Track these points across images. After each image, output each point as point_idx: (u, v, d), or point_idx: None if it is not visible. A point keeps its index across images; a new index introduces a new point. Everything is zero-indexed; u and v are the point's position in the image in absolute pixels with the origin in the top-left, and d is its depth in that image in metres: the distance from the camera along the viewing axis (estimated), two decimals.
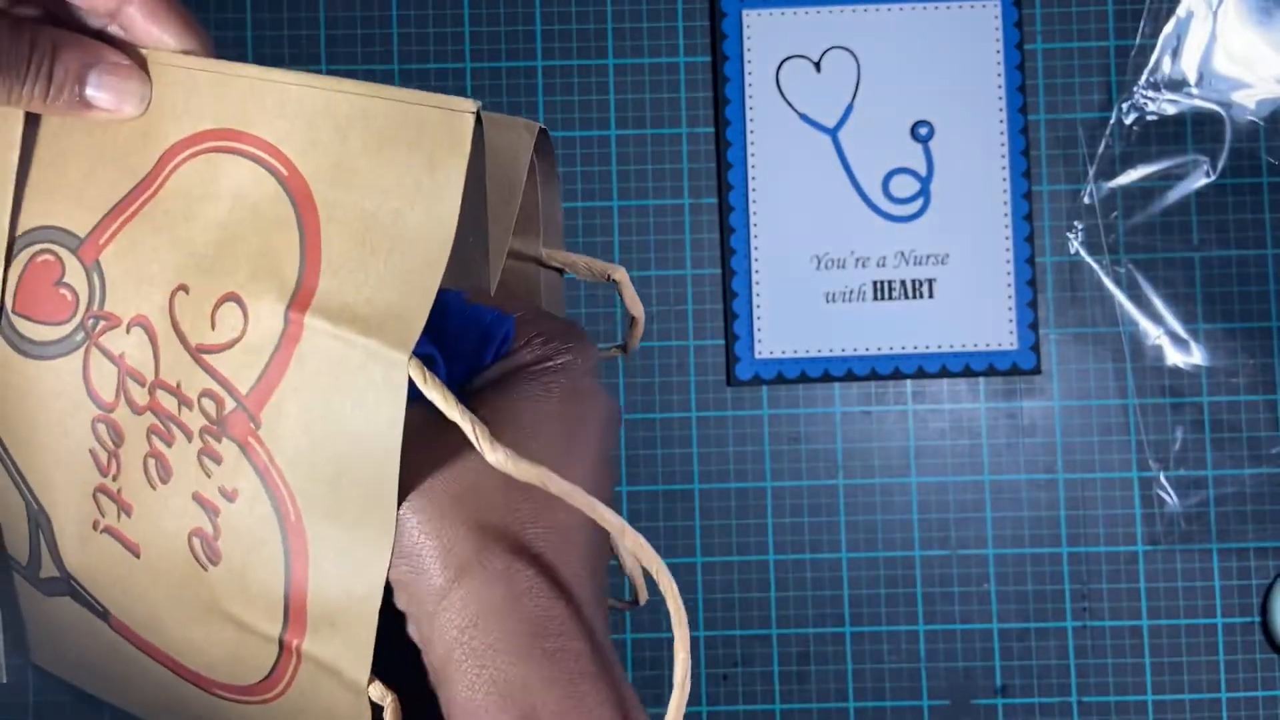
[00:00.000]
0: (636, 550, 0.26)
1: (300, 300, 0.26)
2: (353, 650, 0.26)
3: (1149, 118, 0.53)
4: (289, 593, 0.27)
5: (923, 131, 0.53)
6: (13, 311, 0.29)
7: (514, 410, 0.28)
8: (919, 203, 0.53)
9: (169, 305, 0.27)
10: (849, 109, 0.53)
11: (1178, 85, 0.53)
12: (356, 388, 0.25)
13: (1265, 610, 0.51)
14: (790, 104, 0.53)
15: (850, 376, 0.53)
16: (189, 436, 0.27)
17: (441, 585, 0.26)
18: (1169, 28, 0.53)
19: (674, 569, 0.52)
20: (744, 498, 0.53)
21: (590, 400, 0.29)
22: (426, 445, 0.27)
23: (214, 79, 0.27)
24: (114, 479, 0.29)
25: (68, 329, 0.29)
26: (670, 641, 0.52)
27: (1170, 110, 0.53)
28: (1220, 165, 0.53)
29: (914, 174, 0.53)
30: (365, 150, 0.26)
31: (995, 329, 0.53)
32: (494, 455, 0.25)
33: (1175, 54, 0.53)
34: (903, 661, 0.52)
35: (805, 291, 0.53)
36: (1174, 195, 0.53)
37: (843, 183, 0.53)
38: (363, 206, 0.26)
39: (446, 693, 0.26)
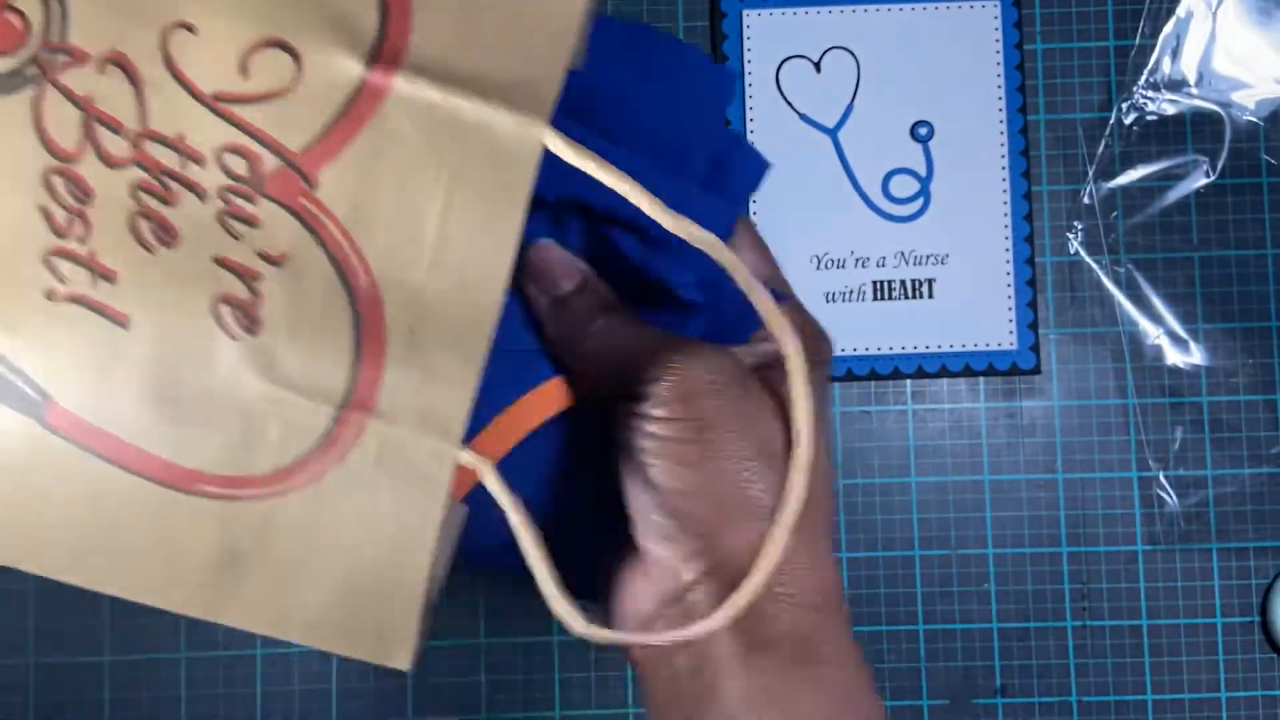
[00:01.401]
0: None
1: (385, 58, 0.24)
2: (447, 407, 0.25)
3: (1149, 118, 0.53)
4: (359, 360, 0.25)
5: (923, 131, 0.53)
6: None
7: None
8: (919, 203, 0.53)
9: (162, 43, 0.25)
10: (849, 109, 0.53)
11: (1177, 85, 0.53)
12: (461, 152, 0.24)
13: (1265, 610, 0.51)
14: (790, 104, 0.53)
15: (850, 376, 0.53)
16: (201, 196, 0.25)
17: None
18: (1169, 28, 0.53)
19: None
20: None
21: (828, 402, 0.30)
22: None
23: None
24: (81, 241, 0.26)
25: (13, 63, 0.25)
26: None
27: (1170, 110, 0.53)
28: (1220, 165, 0.53)
29: (914, 174, 0.53)
30: None
31: (995, 329, 0.53)
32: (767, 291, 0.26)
33: (1175, 54, 0.53)
34: (903, 661, 0.52)
35: (805, 291, 0.53)
36: (1174, 195, 0.53)
37: (843, 183, 0.53)
38: None
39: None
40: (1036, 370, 0.53)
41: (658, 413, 0.27)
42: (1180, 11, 0.53)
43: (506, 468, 0.31)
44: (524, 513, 0.26)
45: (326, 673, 0.52)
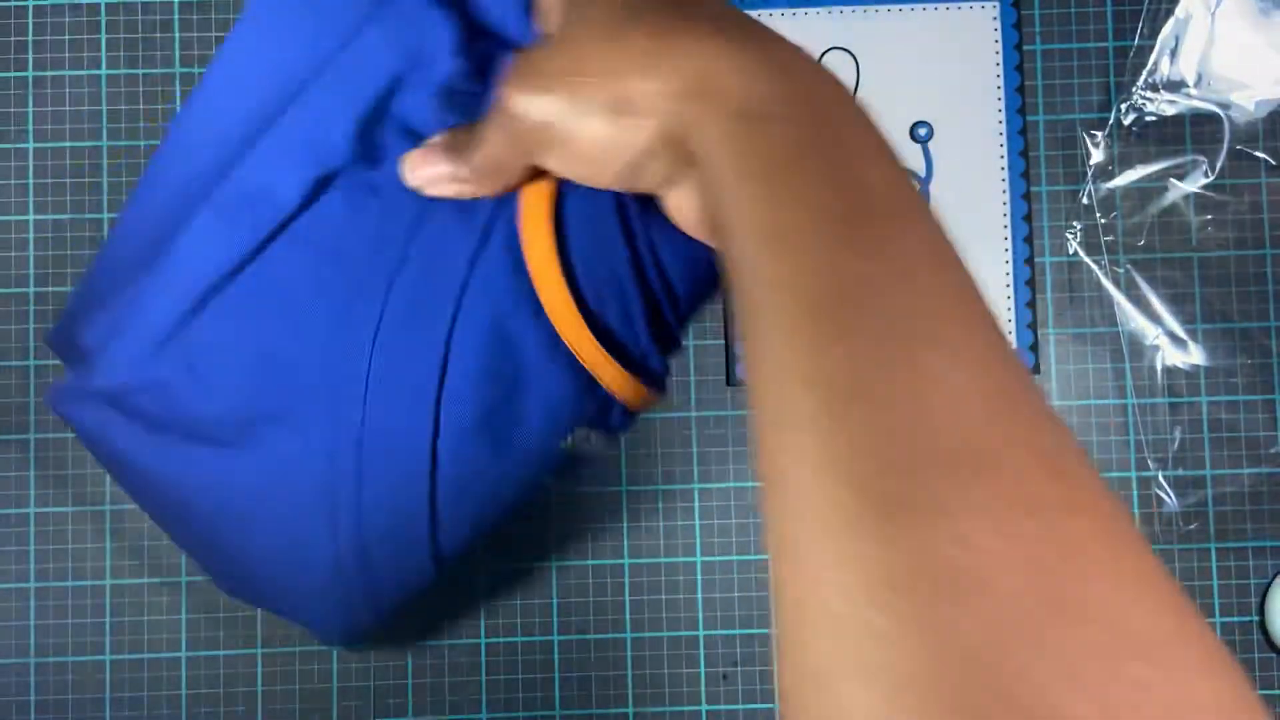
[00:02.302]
0: None
1: None
2: None
3: (1148, 118, 0.53)
4: None
5: (922, 132, 0.53)
6: None
7: None
8: None
9: None
10: None
11: (1176, 86, 0.53)
12: None
13: (1263, 610, 0.52)
14: None
15: None
16: None
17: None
18: (1168, 29, 0.53)
19: (674, 568, 0.52)
20: (743, 497, 0.53)
21: None
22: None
23: None
24: None
25: None
26: (669, 641, 0.52)
27: (1169, 111, 0.53)
28: (1219, 165, 0.53)
29: (913, 174, 0.53)
30: None
31: None
32: None
33: (1174, 55, 0.53)
34: None
35: None
36: (1173, 195, 0.53)
37: None
38: None
39: None
40: (1036, 370, 0.53)
41: (541, 52, 0.29)
42: (1179, 12, 0.53)
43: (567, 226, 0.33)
44: None
45: (327, 672, 0.52)
